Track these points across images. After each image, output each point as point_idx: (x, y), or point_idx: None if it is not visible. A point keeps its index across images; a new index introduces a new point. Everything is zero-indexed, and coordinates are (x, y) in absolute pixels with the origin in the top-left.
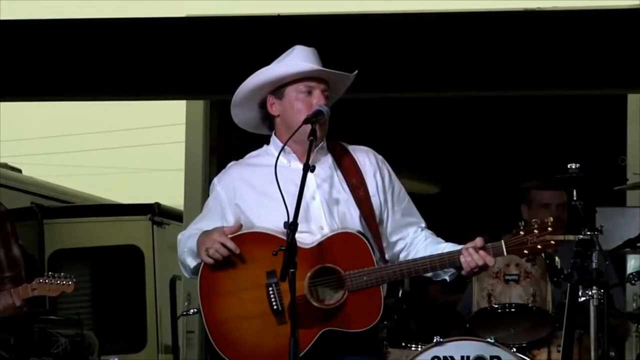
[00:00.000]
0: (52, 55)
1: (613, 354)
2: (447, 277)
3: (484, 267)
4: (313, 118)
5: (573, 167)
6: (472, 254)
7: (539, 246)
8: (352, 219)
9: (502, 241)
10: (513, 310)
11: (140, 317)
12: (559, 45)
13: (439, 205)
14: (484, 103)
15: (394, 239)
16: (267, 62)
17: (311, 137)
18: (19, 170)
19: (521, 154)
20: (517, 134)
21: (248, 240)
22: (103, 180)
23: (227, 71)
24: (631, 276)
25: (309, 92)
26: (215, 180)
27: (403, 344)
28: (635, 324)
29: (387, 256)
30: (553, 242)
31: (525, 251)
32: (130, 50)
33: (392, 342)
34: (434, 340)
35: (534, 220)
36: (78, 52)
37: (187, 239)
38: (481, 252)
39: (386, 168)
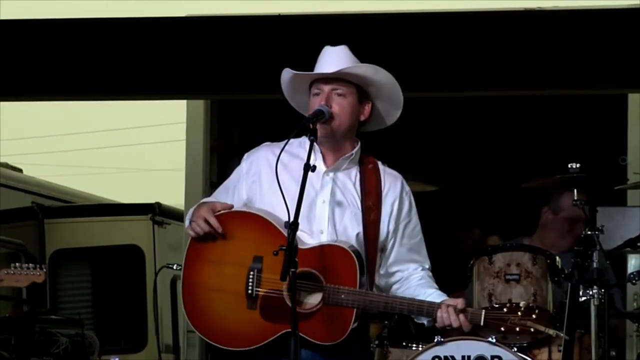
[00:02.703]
0: (52, 55)
1: (614, 353)
2: (425, 322)
3: (457, 329)
4: (313, 118)
5: (573, 167)
6: (450, 313)
7: (517, 328)
8: (350, 235)
9: (483, 311)
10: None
11: (141, 317)
12: (559, 45)
13: (438, 204)
14: (484, 103)
15: (393, 269)
16: (267, 62)
17: (311, 137)
18: (20, 170)
19: (521, 153)
20: (517, 134)
21: (246, 220)
22: (103, 180)
23: (227, 71)
24: (632, 276)
25: (318, 94)
26: (246, 155)
27: (403, 343)
28: (636, 324)
29: (381, 283)
30: (532, 330)
31: (502, 328)
32: (131, 50)
33: (393, 341)
34: (435, 340)
35: (522, 302)
36: (78, 52)
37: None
38: (460, 315)
39: (408, 200)
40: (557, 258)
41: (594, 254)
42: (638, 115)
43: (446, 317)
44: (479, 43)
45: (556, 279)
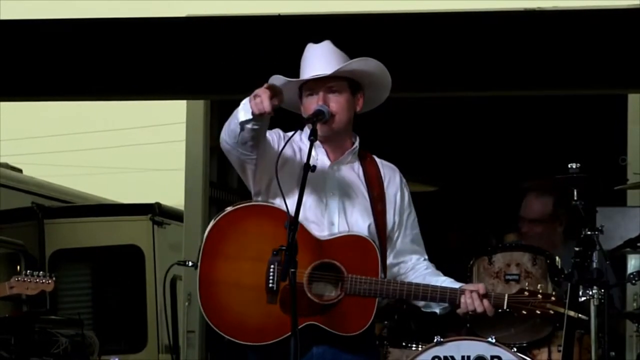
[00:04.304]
0: (52, 55)
1: (613, 353)
2: (438, 310)
3: (481, 314)
4: (313, 118)
5: (573, 167)
6: (474, 299)
7: (537, 311)
8: (362, 226)
9: (506, 295)
10: None
11: (141, 317)
12: (559, 45)
13: (438, 204)
14: (484, 103)
15: (398, 259)
16: (267, 62)
17: (312, 137)
18: (20, 170)
19: (521, 154)
20: (517, 134)
21: (264, 213)
22: (103, 180)
23: (227, 71)
24: (631, 276)
25: (312, 94)
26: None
27: (403, 343)
28: (636, 324)
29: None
30: (552, 312)
31: (524, 312)
32: (131, 50)
33: (393, 341)
34: (435, 340)
35: (540, 285)
36: (78, 52)
37: None
38: (484, 300)
39: (407, 191)
40: (557, 258)
41: (594, 254)
42: (638, 115)
43: (470, 302)
44: (479, 43)
45: (556, 279)
